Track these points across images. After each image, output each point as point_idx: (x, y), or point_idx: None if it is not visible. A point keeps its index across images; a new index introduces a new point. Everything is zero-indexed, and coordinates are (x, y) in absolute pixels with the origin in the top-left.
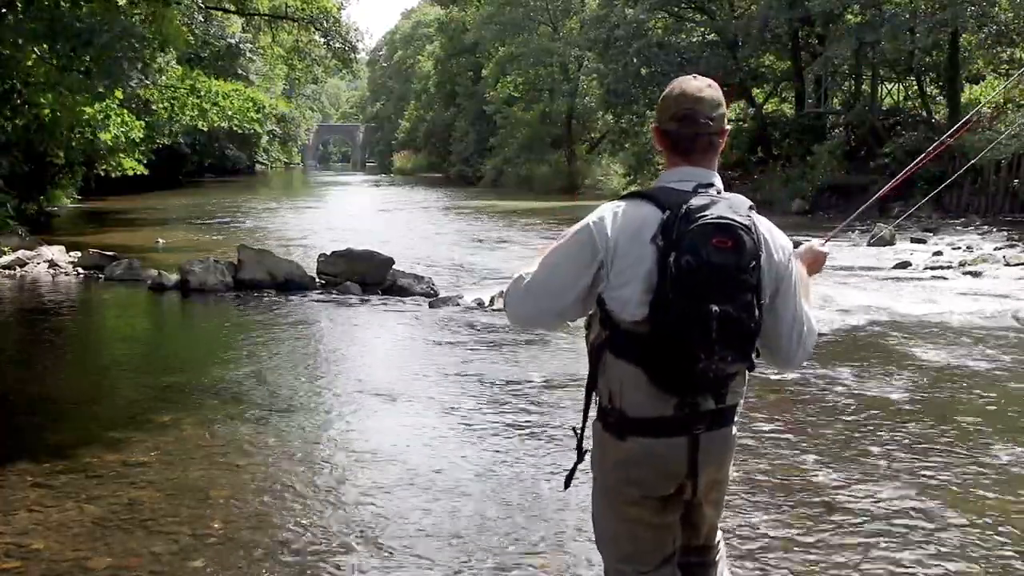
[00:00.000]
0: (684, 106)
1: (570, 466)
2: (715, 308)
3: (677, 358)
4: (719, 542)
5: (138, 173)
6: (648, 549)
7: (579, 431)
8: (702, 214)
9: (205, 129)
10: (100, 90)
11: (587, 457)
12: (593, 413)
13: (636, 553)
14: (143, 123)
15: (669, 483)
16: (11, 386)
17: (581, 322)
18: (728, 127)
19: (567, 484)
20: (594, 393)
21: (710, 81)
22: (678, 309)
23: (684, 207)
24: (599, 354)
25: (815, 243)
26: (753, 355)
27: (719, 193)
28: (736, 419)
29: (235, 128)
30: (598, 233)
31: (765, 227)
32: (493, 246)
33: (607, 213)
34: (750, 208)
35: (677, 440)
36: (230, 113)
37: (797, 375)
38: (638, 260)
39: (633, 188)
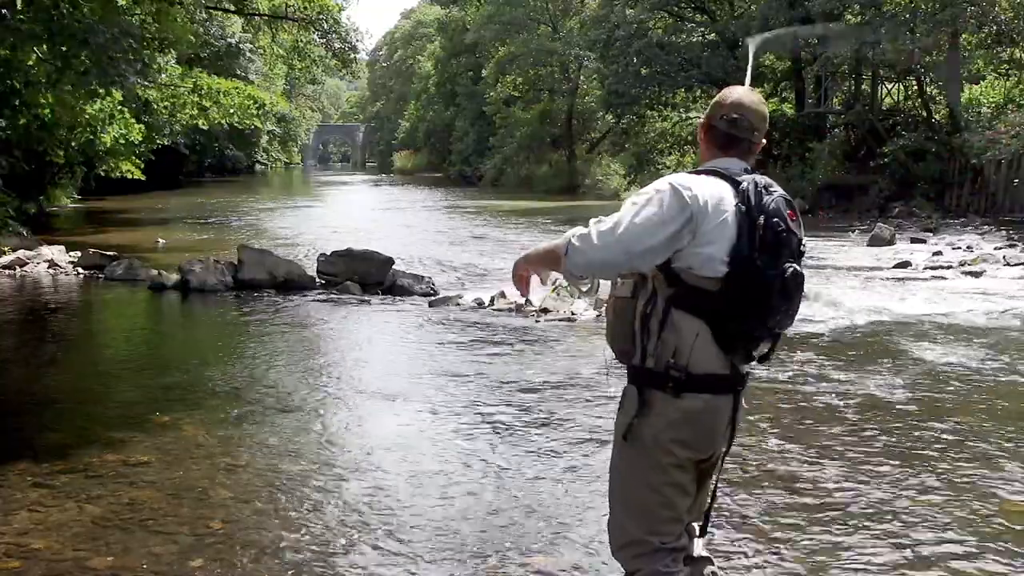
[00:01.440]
0: (737, 111)
1: (570, 465)
2: (792, 267)
3: (752, 312)
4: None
5: (135, 177)
6: (678, 517)
7: (638, 375)
8: (774, 189)
9: (205, 127)
10: (96, 88)
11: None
12: (620, 382)
13: (668, 521)
14: (142, 126)
15: (715, 443)
16: (11, 386)
17: (587, 317)
18: (763, 143)
19: (625, 437)
20: (642, 357)
21: (763, 100)
22: (764, 267)
23: (755, 181)
24: (663, 314)
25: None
26: None
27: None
28: None
29: (236, 125)
30: (686, 192)
31: None
32: (493, 246)
33: (686, 179)
34: None
35: (727, 398)
36: (231, 111)
37: (796, 374)
38: (723, 223)
39: (634, 187)
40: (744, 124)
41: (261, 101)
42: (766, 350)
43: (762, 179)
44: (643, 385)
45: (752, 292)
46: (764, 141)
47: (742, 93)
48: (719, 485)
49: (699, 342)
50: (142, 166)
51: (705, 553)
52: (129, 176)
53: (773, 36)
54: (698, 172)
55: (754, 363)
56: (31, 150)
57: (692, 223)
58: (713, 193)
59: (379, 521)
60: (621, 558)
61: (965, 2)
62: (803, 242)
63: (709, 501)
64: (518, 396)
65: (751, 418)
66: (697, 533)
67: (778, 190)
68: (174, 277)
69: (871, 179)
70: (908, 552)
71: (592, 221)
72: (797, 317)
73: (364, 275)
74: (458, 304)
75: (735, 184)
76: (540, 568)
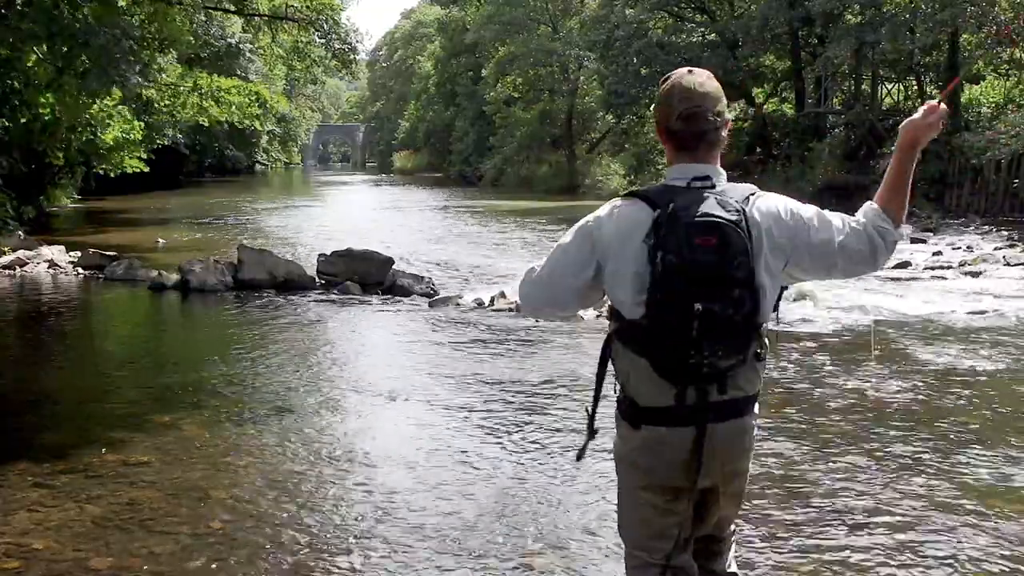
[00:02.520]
0: (690, 105)
1: (570, 465)
2: (698, 307)
3: (673, 352)
4: (730, 533)
5: (139, 170)
6: (659, 535)
7: (590, 411)
8: (686, 212)
9: (207, 125)
10: (95, 88)
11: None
12: (614, 401)
13: (650, 539)
14: (142, 124)
15: (676, 472)
16: (11, 386)
17: (587, 317)
18: (730, 117)
19: (579, 457)
20: (613, 380)
21: (707, 72)
22: (664, 307)
23: (671, 206)
24: (610, 343)
25: (915, 116)
26: (755, 347)
27: (713, 187)
28: (754, 410)
29: (236, 125)
30: (595, 234)
31: (764, 207)
32: (493, 246)
33: (604, 213)
34: (750, 195)
35: (685, 430)
36: (233, 108)
37: (795, 374)
38: (630, 261)
39: (634, 187)
40: (703, 115)
41: (263, 99)
42: (720, 383)
43: (684, 200)
44: (618, 410)
45: (666, 331)
46: (730, 116)
47: (685, 80)
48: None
49: (635, 376)
50: (145, 157)
51: (734, 570)
52: (131, 170)
53: None
54: (631, 196)
55: (727, 392)
56: (31, 150)
57: (601, 267)
58: (625, 228)
59: (379, 521)
60: (625, 568)
61: (965, 2)
62: (736, 261)
63: (714, 532)
64: (518, 396)
65: None
66: (720, 551)
67: (696, 211)
68: (174, 277)
69: (871, 179)
70: (908, 552)
71: (528, 267)
72: (797, 317)
73: (364, 275)
74: (458, 304)
75: (654, 211)
76: (539, 568)
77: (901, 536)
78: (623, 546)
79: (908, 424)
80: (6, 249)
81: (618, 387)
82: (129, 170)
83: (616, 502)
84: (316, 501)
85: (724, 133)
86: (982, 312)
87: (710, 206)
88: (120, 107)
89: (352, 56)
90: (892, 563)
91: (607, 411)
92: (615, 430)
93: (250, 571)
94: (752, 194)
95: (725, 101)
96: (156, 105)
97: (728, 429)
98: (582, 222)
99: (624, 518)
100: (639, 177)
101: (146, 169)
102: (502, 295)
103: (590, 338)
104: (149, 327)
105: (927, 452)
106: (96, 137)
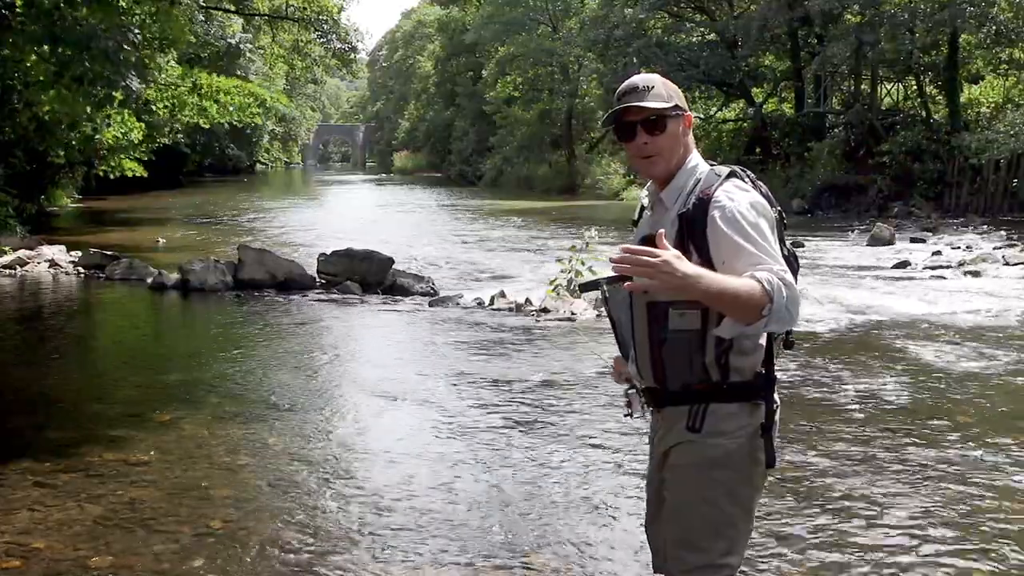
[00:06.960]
0: None
1: (570, 465)
2: (790, 248)
3: None
4: None
5: (137, 175)
6: (750, 529)
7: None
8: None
9: (206, 126)
10: (97, 98)
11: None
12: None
13: (746, 535)
14: (143, 124)
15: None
16: (11, 386)
17: (587, 317)
18: (731, 117)
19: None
20: (723, 376)
21: None
22: (789, 256)
23: (750, 174)
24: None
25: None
26: None
27: None
28: None
29: (236, 124)
30: (766, 204)
31: None
32: (493, 246)
33: (752, 191)
34: None
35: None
36: (232, 108)
37: (796, 374)
38: (772, 223)
39: (634, 187)
40: None
41: (262, 98)
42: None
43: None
44: (729, 400)
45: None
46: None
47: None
48: None
49: (763, 344)
50: (144, 159)
51: None
52: (130, 174)
53: None
54: (734, 175)
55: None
56: (32, 150)
57: None
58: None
59: (379, 520)
60: None
61: (965, 2)
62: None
63: None
64: (517, 396)
65: None
66: None
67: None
68: (174, 277)
69: (871, 179)
70: (909, 552)
71: (762, 268)
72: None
73: (364, 275)
74: (458, 304)
75: (752, 181)
76: (539, 568)
77: (900, 534)
78: (699, 560)
79: (907, 424)
80: (6, 249)
81: (739, 373)
82: (128, 174)
83: (700, 515)
84: (316, 501)
85: None
86: (982, 312)
87: None
88: (119, 108)
89: (352, 55)
90: (891, 561)
91: (602, 412)
92: (702, 439)
93: (250, 571)
94: None
95: None
96: (156, 106)
97: None
98: (751, 206)
99: (718, 525)
100: (639, 177)
101: (145, 174)
102: (502, 295)
103: (589, 337)
104: (149, 327)
105: (926, 451)
106: (96, 137)
